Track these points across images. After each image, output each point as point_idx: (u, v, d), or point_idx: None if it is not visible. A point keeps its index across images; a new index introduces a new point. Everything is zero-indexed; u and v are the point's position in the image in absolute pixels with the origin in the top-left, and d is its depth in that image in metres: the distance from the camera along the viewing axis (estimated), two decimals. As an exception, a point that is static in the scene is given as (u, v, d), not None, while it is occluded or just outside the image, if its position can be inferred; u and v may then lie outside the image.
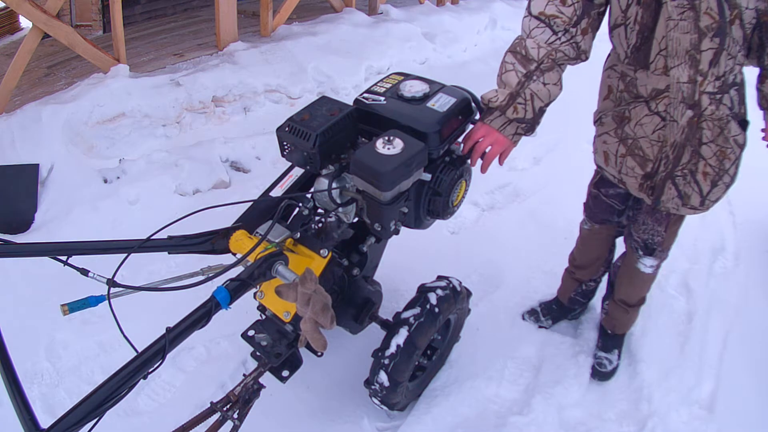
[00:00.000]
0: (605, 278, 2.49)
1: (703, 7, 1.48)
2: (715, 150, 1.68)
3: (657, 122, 1.71)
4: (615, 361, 2.33)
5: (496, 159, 1.77)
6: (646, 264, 2.10)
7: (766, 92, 1.70)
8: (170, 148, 3.45)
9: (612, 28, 1.69)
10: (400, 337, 1.88)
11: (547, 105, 1.70)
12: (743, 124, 1.72)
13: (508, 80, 1.68)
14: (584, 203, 2.25)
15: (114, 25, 3.66)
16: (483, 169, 1.78)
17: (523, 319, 2.56)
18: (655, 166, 1.77)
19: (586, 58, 1.71)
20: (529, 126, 1.71)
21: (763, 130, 1.84)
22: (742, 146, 1.74)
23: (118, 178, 3.17)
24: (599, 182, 2.10)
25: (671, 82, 1.62)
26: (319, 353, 1.58)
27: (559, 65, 1.66)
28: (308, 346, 1.65)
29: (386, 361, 1.87)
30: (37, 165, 3.00)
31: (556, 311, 2.55)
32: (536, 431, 2.06)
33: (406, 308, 1.96)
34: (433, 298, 1.95)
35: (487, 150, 1.74)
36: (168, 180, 3.18)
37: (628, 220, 2.09)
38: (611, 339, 2.39)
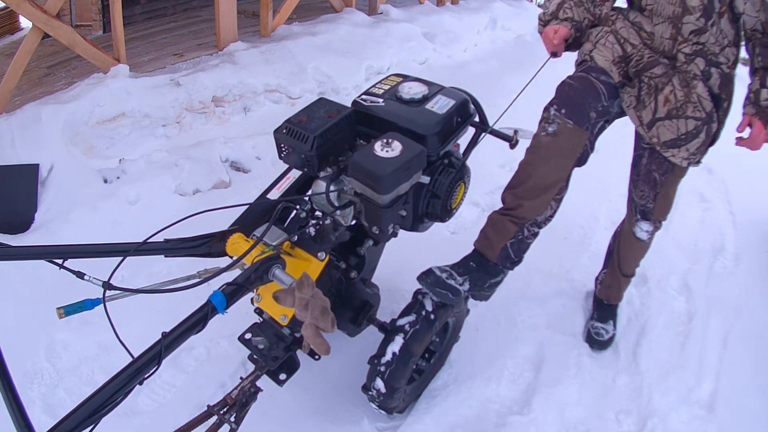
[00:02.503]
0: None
1: None
2: (682, 88, 1.79)
3: (638, 40, 1.89)
4: (611, 330, 2.43)
5: None
6: (642, 228, 2.19)
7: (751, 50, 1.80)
8: (170, 148, 3.45)
9: None
10: (396, 345, 1.86)
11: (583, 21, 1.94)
12: (713, 97, 1.81)
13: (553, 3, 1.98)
14: (559, 87, 1.84)
15: (114, 25, 3.65)
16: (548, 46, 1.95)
17: (432, 273, 1.86)
18: (633, 52, 1.89)
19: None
20: (577, 25, 1.93)
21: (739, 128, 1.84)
22: (707, 113, 1.79)
23: (118, 178, 3.17)
24: (588, 68, 1.86)
25: (656, 34, 1.85)
26: (317, 356, 1.58)
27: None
28: (311, 352, 1.65)
29: (382, 369, 1.87)
30: (37, 165, 3.00)
31: (475, 272, 1.89)
32: (536, 431, 2.06)
33: (402, 314, 1.94)
34: (428, 303, 1.92)
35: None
36: (168, 180, 3.18)
37: (632, 185, 2.14)
38: (607, 309, 2.48)
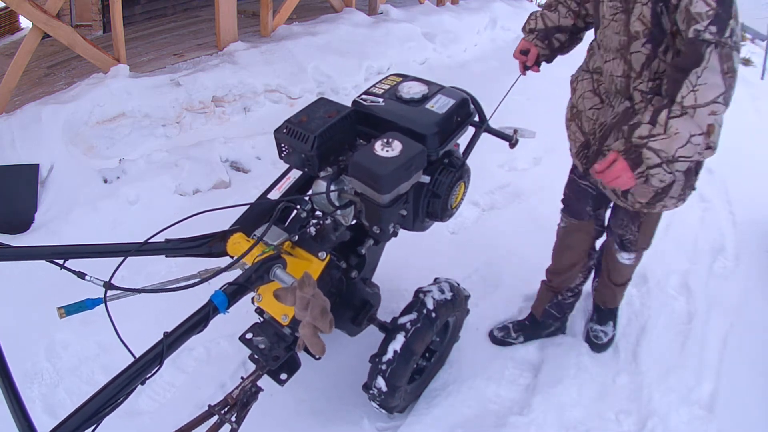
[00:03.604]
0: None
1: (636, 13, 1.55)
2: None
3: (596, 102, 1.86)
4: (610, 332, 2.41)
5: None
6: (623, 258, 2.17)
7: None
8: (170, 148, 3.45)
9: None
10: (397, 343, 1.87)
11: (557, 27, 1.97)
12: None
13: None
14: (562, 197, 2.23)
15: (114, 25, 3.65)
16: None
17: (492, 334, 2.44)
18: (589, 138, 1.89)
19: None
20: (543, 35, 1.98)
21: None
22: None
23: (118, 178, 3.17)
24: (574, 168, 2.12)
25: (606, 74, 1.76)
26: (318, 356, 1.58)
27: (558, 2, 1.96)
28: (306, 350, 1.65)
29: (383, 367, 1.87)
30: (37, 165, 3.00)
31: (528, 327, 2.43)
32: (536, 431, 2.06)
33: (403, 313, 1.95)
34: (429, 302, 1.94)
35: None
36: (168, 180, 3.18)
37: (612, 214, 2.12)
38: (604, 313, 2.45)
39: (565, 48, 2.03)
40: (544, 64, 2.08)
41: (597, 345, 2.38)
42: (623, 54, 1.65)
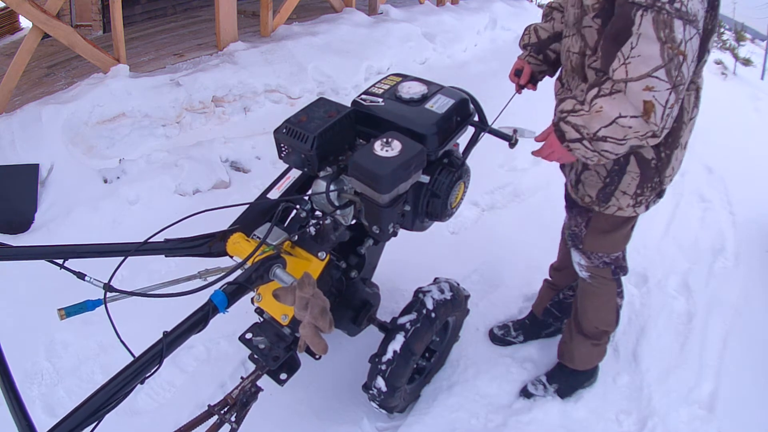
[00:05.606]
0: None
1: None
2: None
3: (558, 87, 1.83)
4: (549, 392, 2.16)
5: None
6: (575, 260, 1.96)
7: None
8: (170, 148, 3.45)
9: None
10: (397, 343, 1.87)
11: (552, 36, 1.89)
12: None
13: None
14: (564, 195, 2.10)
15: (114, 25, 3.66)
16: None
17: (491, 333, 2.41)
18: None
19: None
20: (536, 49, 1.93)
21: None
22: None
23: (118, 178, 3.17)
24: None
25: (564, 50, 1.68)
26: (318, 356, 1.58)
27: (552, 8, 1.91)
28: (307, 350, 1.65)
29: (383, 367, 1.87)
30: (37, 165, 3.00)
31: (529, 326, 2.41)
32: (536, 431, 2.06)
33: (403, 313, 1.95)
34: (429, 302, 1.94)
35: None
36: (168, 180, 3.18)
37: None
38: (558, 368, 2.21)
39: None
40: (546, 78, 2.03)
41: (525, 390, 2.18)
42: (578, 28, 1.55)
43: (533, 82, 2.02)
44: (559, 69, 1.94)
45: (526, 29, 1.99)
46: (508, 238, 3.02)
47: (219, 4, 4.18)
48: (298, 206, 1.74)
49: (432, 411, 2.12)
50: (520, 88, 2.03)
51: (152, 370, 1.11)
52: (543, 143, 1.59)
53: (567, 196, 2.01)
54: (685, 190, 3.50)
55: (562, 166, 1.91)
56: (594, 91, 1.38)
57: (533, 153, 1.65)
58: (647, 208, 1.73)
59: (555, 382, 2.18)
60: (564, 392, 2.17)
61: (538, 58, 1.95)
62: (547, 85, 2.00)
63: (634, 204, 1.69)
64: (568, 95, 1.55)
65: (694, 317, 2.57)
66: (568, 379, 2.18)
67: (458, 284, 2.09)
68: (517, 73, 2.00)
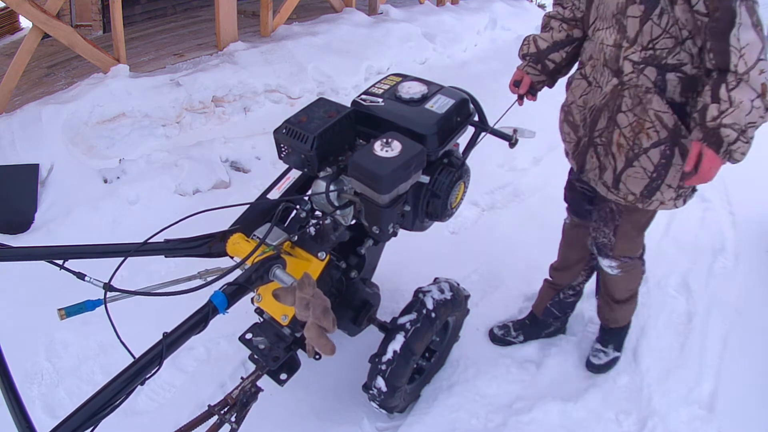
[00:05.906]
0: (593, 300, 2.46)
1: None
2: (631, 119, 1.66)
3: (584, 87, 1.82)
4: (611, 354, 2.30)
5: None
6: (604, 265, 2.05)
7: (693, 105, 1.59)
8: (170, 148, 3.45)
9: None
10: (397, 343, 1.87)
11: (551, 46, 1.91)
12: (676, 107, 1.62)
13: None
14: (564, 196, 2.21)
15: (114, 25, 3.66)
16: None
17: (492, 333, 2.43)
18: (579, 128, 1.85)
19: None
20: (534, 59, 1.94)
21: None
22: (670, 129, 1.62)
23: (118, 178, 3.17)
24: (571, 169, 2.10)
25: (596, 43, 1.72)
26: (318, 356, 1.58)
27: (551, 18, 1.94)
28: (317, 354, 1.65)
29: (383, 367, 1.87)
30: (37, 165, 3.00)
31: (529, 326, 2.42)
32: (536, 431, 2.06)
33: (403, 313, 1.95)
34: (429, 302, 1.94)
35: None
36: (168, 180, 3.18)
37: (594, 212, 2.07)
38: (606, 332, 2.35)
39: (563, 68, 1.97)
40: (545, 89, 2.04)
41: (592, 365, 2.29)
42: (619, 19, 1.60)
43: (532, 92, 2.03)
44: (567, 74, 1.98)
45: (525, 39, 2.00)
46: (507, 238, 3.02)
47: (219, 4, 4.18)
48: (298, 206, 1.74)
49: (432, 411, 2.12)
50: (521, 99, 2.05)
51: (152, 372, 1.11)
52: (698, 168, 1.52)
53: (579, 205, 2.09)
54: (685, 190, 3.49)
55: (580, 172, 1.92)
56: (723, 86, 1.43)
57: (687, 183, 1.60)
58: (685, 202, 1.78)
59: (610, 343, 2.32)
60: (620, 346, 2.34)
61: (537, 68, 1.96)
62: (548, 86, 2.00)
63: (676, 197, 1.74)
64: (695, 108, 1.53)
65: (694, 317, 2.57)
66: (619, 335, 2.35)
67: (458, 284, 2.09)
68: (516, 84, 2.02)
